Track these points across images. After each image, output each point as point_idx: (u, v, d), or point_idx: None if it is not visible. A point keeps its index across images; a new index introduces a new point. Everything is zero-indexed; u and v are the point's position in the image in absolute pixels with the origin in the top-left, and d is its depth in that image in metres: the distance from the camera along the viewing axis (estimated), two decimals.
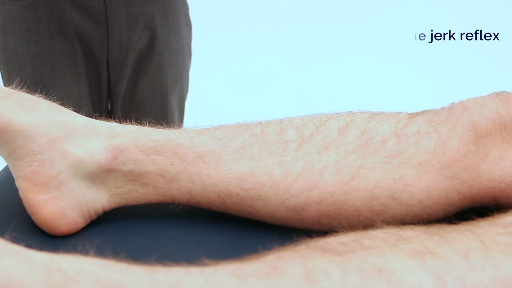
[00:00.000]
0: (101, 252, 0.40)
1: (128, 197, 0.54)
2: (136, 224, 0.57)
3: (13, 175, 0.52)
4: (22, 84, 1.10)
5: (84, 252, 0.40)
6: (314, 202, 0.51)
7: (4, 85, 1.06)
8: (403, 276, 0.37)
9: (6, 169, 0.66)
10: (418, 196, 0.51)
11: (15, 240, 0.39)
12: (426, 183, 0.51)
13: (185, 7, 1.17)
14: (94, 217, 0.55)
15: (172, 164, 0.53)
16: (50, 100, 0.55)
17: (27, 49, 1.02)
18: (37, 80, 1.04)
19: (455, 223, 0.45)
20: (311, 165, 0.52)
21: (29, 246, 0.38)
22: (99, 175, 0.53)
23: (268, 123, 0.56)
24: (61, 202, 0.52)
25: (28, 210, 0.52)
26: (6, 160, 0.52)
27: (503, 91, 0.55)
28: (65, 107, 0.55)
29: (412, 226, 0.44)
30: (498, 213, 0.46)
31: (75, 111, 0.55)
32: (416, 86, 2.48)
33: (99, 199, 0.54)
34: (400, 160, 0.52)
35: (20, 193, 0.52)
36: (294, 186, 0.52)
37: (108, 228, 0.56)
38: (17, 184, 0.52)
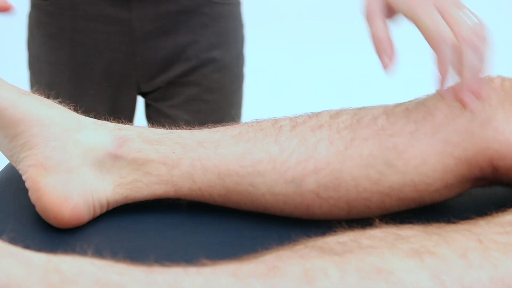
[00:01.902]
0: (99, 253, 0.40)
1: (131, 188, 0.55)
2: (135, 224, 0.57)
3: (22, 168, 0.53)
4: (39, 91, 1.07)
5: (83, 252, 0.39)
6: (311, 173, 0.53)
7: (31, 86, 1.03)
8: (402, 276, 0.37)
9: (6, 169, 0.66)
10: (413, 162, 0.52)
11: (13, 241, 0.38)
12: (420, 149, 0.52)
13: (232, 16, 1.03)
14: (98, 210, 0.55)
15: (174, 152, 0.55)
16: None
17: (47, 55, 0.98)
18: (54, 88, 0.96)
19: (454, 222, 0.45)
20: (305, 140, 0.54)
21: (27, 247, 0.37)
22: (105, 163, 0.54)
23: (263, 119, 0.59)
24: (68, 186, 0.53)
25: (35, 195, 0.53)
26: (18, 153, 0.54)
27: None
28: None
29: (410, 225, 0.44)
30: (497, 212, 0.46)
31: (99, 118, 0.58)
32: (416, 84, 2.48)
33: (104, 189, 0.54)
34: (392, 131, 0.53)
35: (28, 181, 0.53)
36: (290, 159, 0.53)
37: (106, 228, 0.56)
38: (26, 174, 0.53)
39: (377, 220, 0.46)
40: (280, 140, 0.55)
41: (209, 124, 0.60)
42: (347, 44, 2.69)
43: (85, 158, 0.54)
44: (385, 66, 0.52)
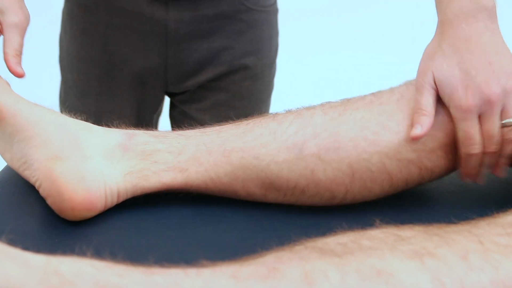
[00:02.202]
0: (99, 254, 0.39)
1: (140, 176, 0.57)
2: (134, 224, 0.57)
3: (36, 165, 0.56)
4: (65, 88, 1.04)
5: (82, 254, 0.39)
6: (310, 138, 0.57)
7: (61, 82, 1.02)
8: (402, 278, 0.37)
9: (6, 170, 0.66)
10: (404, 122, 0.57)
11: (12, 242, 0.38)
12: (408, 112, 0.57)
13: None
14: (109, 199, 0.57)
15: (179, 142, 0.59)
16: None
17: (77, 51, 0.96)
18: (81, 85, 0.97)
19: (454, 223, 0.45)
20: (300, 115, 0.59)
21: (26, 248, 0.37)
22: (116, 154, 0.58)
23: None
24: (81, 171, 0.56)
25: (48, 183, 0.55)
26: (32, 154, 0.57)
27: None
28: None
29: (411, 225, 0.44)
30: (498, 212, 0.46)
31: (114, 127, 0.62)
32: None
33: (115, 176, 0.57)
34: (380, 101, 0.59)
35: (42, 173, 0.56)
36: (289, 129, 0.58)
37: (106, 229, 0.56)
38: (40, 169, 0.56)
39: (377, 221, 0.45)
40: (277, 118, 0.59)
41: None
42: (347, 40, 2.69)
43: (97, 149, 0.57)
44: (413, 134, 0.55)
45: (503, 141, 0.55)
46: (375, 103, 0.58)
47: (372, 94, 0.60)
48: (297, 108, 0.61)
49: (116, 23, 0.92)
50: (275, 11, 1.00)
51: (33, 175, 0.57)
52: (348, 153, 0.56)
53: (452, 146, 0.57)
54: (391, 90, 0.60)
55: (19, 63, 0.65)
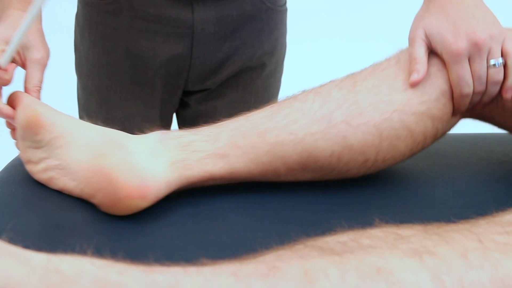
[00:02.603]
0: (99, 253, 0.39)
1: (183, 166, 0.59)
2: (135, 224, 0.57)
3: (84, 164, 0.59)
4: (85, 94, 1.03)
5: (82, 252, 0.39)
6: (335, 109, 0.61)
7: (78, 90, 1.01)
8: (402, 276, 0.37)
9: (6, 169, 0.66)
10: (408, 80, 0.62)
11: (13, 241, 0.38)
12: (406, 73, 0.63)
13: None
14: (159, 189, 0.58)
15: (211, 132, 0.62)
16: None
17: (98, 57, 0.94)
18: (103, 92, 0.96)
19: (454, 222, 0.45)
20: (318, 93, 0.64)
21: (26, 247, 0.37)
22: (156, 149, 0.60)
23: None
24: (130, 163, 0.58)
25: (99, 177, 0.57)
26: (75, 155, 0.60)
27: None
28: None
29: (410, 225, 0.44)
30: (497, 211, 0.46)
31: (137, 133, 0.64)
32: None
33: (160, 167, 0.59)
34: (381, 68, 0.65)
35: (90, 169, 0.58)
36: (313, 105, 0.62)
37: (106, 228, 0.56)
38: (87, 167, 0.59)
39: (377, 220, 0.46)
40: (298, 98, 0.64)
41: None
42: (347, 39, 2.69)
43: (138, 147, 0.60)
44: (412, 80, 0.62)
45: (488, 82, 0.63)
46: (377, 70, 0.64)
47: (371, 66, 0.66)
48: (310, 88, 0.65)
49: (138, 26, 0.91)
50: (285, 11, 1.03)
51: (74, 178, 0.59)
52: (371, 117, 0.61)
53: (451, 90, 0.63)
54: (387, 58, 0.66)
55: (39, 98, 0.68)
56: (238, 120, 0.63)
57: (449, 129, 0.67)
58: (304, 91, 0.65)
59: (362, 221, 0.48)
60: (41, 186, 0.61)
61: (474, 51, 0.61)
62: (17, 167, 0.65)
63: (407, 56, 0.64)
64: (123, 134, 0.62)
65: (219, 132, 0.62)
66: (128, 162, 0.58)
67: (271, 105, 0.64)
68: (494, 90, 0.63)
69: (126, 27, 0.91)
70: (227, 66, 0.96)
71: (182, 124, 1.05)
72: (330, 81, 0.65)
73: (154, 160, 0.59)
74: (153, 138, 0.61)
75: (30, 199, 0.59)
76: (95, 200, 0.58)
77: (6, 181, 0.63)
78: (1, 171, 0.66)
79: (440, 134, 0.66)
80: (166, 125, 1.02)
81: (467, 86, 0.62)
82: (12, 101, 0.64)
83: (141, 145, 0.60)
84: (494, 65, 0.62)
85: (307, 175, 0.63)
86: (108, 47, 0.93)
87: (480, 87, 0.63)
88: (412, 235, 0.42)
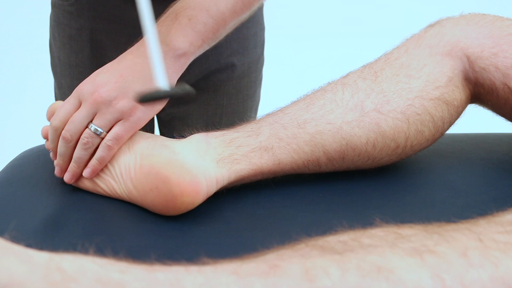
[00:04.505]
0: (101, 251, 0.40)
1: (231, 160, 0.62)
2: (136, 223, 0.57)
3: (134, 165, 0.61)
4: (60, 94, 1.02)
5: (84, 251, 0.40)
6: (365, 98, 0.65)
7: (54, 88, 1.01)
8: (402, 274, 0.37)
9: (7, 169, 0.66)
10: (419, 67, 0.66)
11: (15, 239, 0.39)
12: (419, 58, 0.67)
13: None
14: (210, 184, 0.60)
15: (251, 128, 0.64)
16: None
17: (68, 57, 0.95)
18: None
19: (454, 222, 0.45)
20: (345, 84, 0.67)
21: (29, 245, 0.38)
22: (201, 148, 0.62)
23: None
24: (180, 161, 0.59)
25: (152, 174, 0.59)
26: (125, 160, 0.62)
27: None
28: None
29: (411, 224, 0.44)
30: (497, 211, 0.46)
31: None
32: None
33: (208, 164, 0.61)
34: (394, 57, 0.68)
35: (140, 170, 0.60)
36: (344, 96, 0.65)
37: (108, 227, 0.56)
38: (136, 169, 0.60)
39: (377, 219, 0.46)
40: (328, 90, 0.67)
41: (223, 127, 0.67)
42: (347, 38, 2.69)
43: (182, 147, 0.62)
44: None
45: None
46: (391, 60, 0.68)
47: (383, 55, 0.69)
48: (335, 80, 0.68)
49: (101, 27, 0.92)
50: (260, 7, 1.01)
51: (121, 180, 0.61)
52: (397, 103, 0.64)
53: (456, 78, 0.66)
54: (396, 47, 0.70)
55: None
56: (276, 114, 0.66)
57: (458, 115, 0.69)
58: (330, 83, 0.68)
59: (363, 221, 0.48)
60: (42, 186, 0.62)
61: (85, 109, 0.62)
62: (18, 167, 0.65)
63: (414, 44, 0.68)
64: (162, 137, 0.64)
65: (259, 127, 0.64)
66: (177, 160, 0.59)
67: (303, 98, 0.67)
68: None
69: (89, 28, 0.92)
70: (195, 68, 0.95)
71: (161, 126, 1.05)
72: (350, 72, 0.69)
73: (200, 158, 0.61)
74: (195, 138, 0.63)
75: (31, 199, 0.59)
76: (146, 202, 0.59)
77: (7, 180, 0.63)
78: (2, 171, 0.66)
79: (453, 119, 0.68)
80: (148, 126, 1.00)
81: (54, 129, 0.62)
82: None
83: (185, 145, 0.62)
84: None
85: (345, 164, 0.66)
86: (75, 48, 0.94)
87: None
88: (413, 234, 0.42)
